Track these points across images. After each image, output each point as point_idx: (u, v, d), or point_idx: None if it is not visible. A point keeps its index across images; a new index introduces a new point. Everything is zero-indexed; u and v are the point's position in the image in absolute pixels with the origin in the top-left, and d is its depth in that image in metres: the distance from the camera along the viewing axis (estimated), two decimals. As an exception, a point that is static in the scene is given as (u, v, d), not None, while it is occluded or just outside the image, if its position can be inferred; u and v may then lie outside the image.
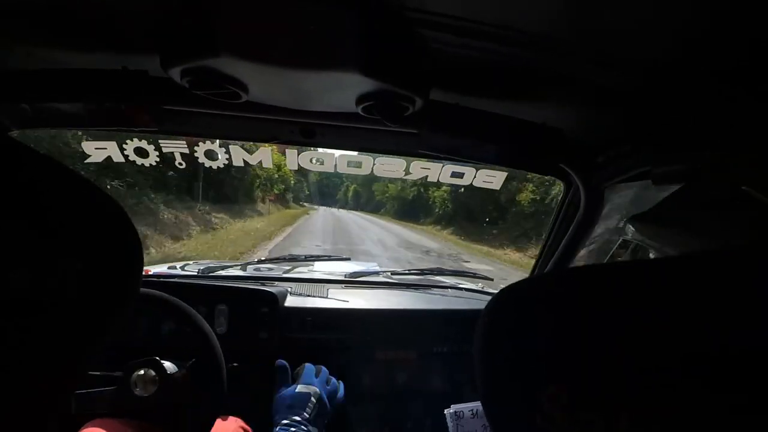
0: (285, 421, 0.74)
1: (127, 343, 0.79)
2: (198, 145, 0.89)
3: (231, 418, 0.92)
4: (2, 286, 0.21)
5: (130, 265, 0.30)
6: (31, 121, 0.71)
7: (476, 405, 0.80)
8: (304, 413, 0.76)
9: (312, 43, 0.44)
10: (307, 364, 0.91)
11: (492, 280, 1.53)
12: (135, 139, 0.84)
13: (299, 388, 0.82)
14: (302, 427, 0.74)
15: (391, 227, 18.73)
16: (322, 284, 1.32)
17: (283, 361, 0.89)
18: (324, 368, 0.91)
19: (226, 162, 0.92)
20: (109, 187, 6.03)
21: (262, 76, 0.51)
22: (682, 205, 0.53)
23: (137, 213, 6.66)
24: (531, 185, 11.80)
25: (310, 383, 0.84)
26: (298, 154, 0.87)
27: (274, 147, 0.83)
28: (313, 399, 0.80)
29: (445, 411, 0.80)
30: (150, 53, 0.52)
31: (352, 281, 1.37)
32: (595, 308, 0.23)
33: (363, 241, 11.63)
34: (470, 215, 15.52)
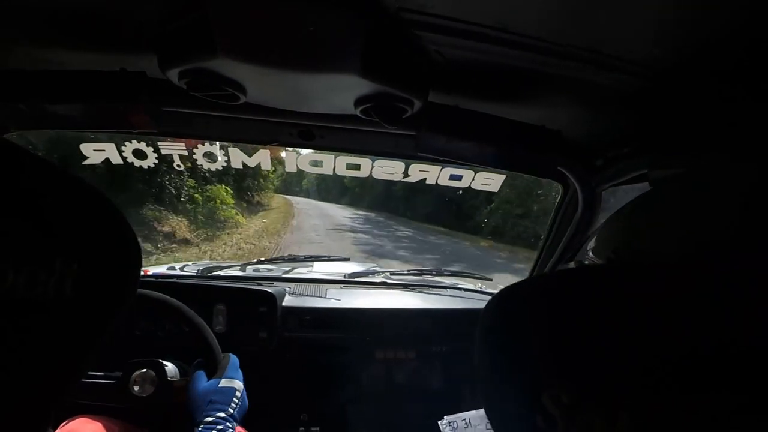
0: (209, 419, 0.69)
1: (127, 343, 0.79)
2: (197, 147, 0.89)
3: None
4: (2, 286, 0.21)
5: (128, 266, 0.30)
6: (29, 123, 0.71)
7: (469, 415, 0.80)
8: (229, 409, 0.71)
9: (310, 44, 0.44)
10: (233, 356, 0.84)
11: (491, 280, 1.53)
12: (134, 141, 0.84)
13: (223, 382, 0.76)
14: (227, 423, 0.69)
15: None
16: (321, 284, 1.32)
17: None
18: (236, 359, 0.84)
19: (225, 164, 0.91)
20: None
21: (260, 78, 0.51)
22: (682, 205, 0.52)
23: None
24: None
25: (234, 377, 0.78)
26: (297, 157, 0.87)
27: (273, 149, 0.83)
28: (237, 394, 0.75)
29: (439, 423, 0.79)
30: (148, 54, 0.52)
31: (351, 281, 1.36)
32: (595, 309, 0.23)
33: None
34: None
